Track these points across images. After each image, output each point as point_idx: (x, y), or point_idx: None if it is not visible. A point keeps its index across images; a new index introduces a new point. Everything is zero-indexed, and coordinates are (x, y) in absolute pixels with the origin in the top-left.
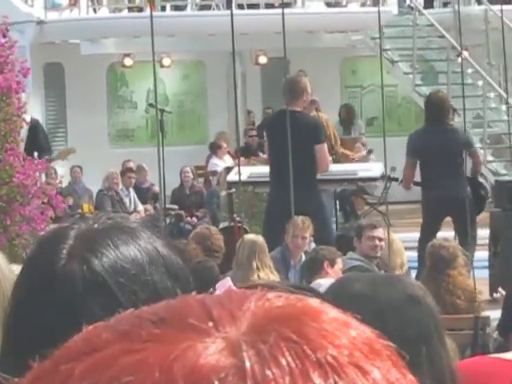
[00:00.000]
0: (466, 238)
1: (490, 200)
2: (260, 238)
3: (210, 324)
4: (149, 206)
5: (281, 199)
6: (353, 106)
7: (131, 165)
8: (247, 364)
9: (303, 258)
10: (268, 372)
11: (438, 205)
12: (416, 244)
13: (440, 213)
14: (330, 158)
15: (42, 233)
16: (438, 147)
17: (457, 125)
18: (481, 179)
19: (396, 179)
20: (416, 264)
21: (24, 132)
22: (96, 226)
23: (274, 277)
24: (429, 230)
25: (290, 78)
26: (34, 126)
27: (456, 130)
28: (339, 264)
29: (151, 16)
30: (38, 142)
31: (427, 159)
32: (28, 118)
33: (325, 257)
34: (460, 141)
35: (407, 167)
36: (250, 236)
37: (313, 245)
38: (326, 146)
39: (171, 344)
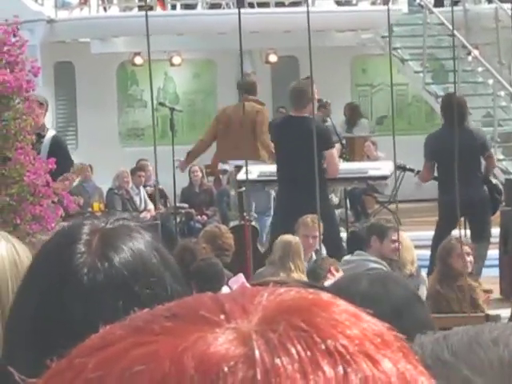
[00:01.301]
0: (480, 238)
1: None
2: (296, 239)
3: (222, 317)
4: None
5: (290, 200)
6: (357, 104)
7: (146, 164)
8: (256, 352)
9: (313, 256)
10: (277, 360)
11: (455, 208)
12: (425, 242)
13: (456, 215)
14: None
15: (54, 230)
16: (454, 149)
17: (474, 126)
18: (495, 180)
19: (412, 170)
20: (425, 263)
21: (45, 148)
22: (108, 225)
23: (305, 279)
24: (444, 230)
25: (298, 84)
26: (56, 142)
27: (474, 133)
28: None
29: (146, 15)
30: (59, 160)
31: (444, 161)
32: (51, 133)
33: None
34: (478, 143)
35: (425, 169)
36: (286, 236)
37: (324, 253)
38: (334, 151)
39: (182, 336)
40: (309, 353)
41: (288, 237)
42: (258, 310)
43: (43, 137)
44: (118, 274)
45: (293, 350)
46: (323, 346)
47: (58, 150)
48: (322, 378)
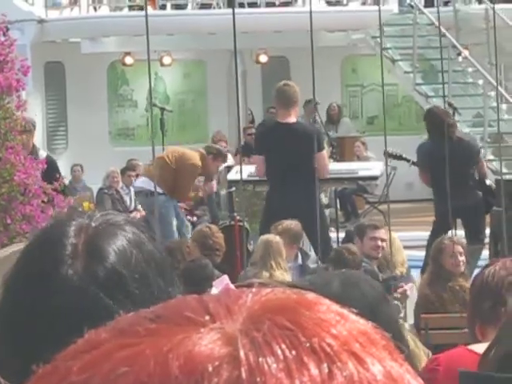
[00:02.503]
0: (475, 241)
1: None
2: (276, 238)
3: (207, 317)
4: None
5: (279, 202)
6: (339, 105)
7: (136, 163)
8: (241, 352)
9: (299, 258)
10: (262, 359)
11: (452, 215)
12: (416, 243)
13: (453, 220)
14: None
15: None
16: (445, 161)
17: (464, 134)
18: (489, 181)
19: (408, 160)
20: (415, 263)
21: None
22: (93, 223)
23: (288, 278)
24: (441, 232)
25: (284, 87)
26: (49, 163)
27: (464, 142)
28: None
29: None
30: (50, 179)
31: (436, 173)
32: (43, 155)
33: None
34: (468, 152)
35: (421, 176)
36: (266, 236)
37: (313, 255)
38: (325, 152)
39: (166, 336)
40: (294, 351)
41: (268, 236)
42: (243, 310)
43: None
44: (105, 279)
45: (277, 349)
46: (308, 345)
47: (51, 170)
48: (307, 377)
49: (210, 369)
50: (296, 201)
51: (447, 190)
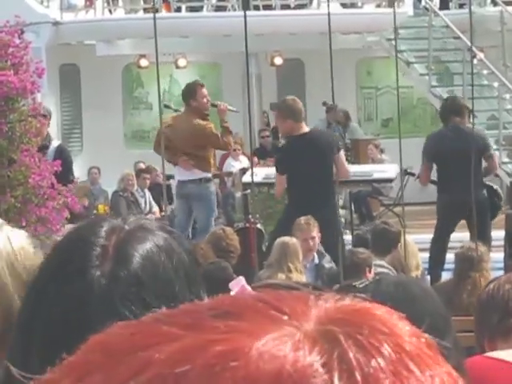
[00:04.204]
0: (480, 241)
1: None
2: (292, 241)
3: (285, 317)
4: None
5: (299, 206)
6: (347, 110)
7: (143, 166)
8: (350, 353)
9: (316, 258)
10: (373, 361)
11: (454, 208)
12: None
13: (455, 216)
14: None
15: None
16: (454, 151)
17: (475, 126)
18: (495, 186)
19: (413, 174)
20: None
21: (50, 158)
22: (126, 226)
23: (303, 280)
24: (443, 232)
25: (295, 103)
26: (60, 152)
27: (473, 133)
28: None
29: (154, 17)
30: (62, 170)
31: (443, 162)
32: (55, 144)
33: (366, 262)
34: (477, 144)
35: (423, 170)
36: (283, 238)
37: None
38: (342, 153)
39: (257, 334)
40: (397, 355)
41: (285, 238)
42: (315, 312)
43: (47, 147)
44: (126, 285)
45: (385, 351)
46: (408, 348)
47: (61, 160)
48: (415, 381)
49: (320, 369)
50: (316, 209)
51: (452, 183)
